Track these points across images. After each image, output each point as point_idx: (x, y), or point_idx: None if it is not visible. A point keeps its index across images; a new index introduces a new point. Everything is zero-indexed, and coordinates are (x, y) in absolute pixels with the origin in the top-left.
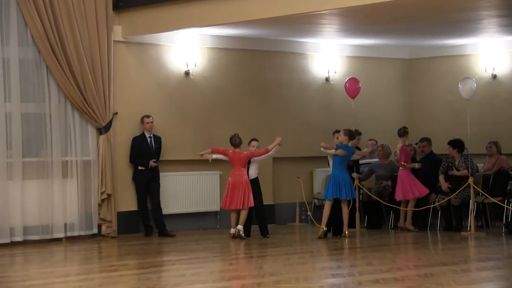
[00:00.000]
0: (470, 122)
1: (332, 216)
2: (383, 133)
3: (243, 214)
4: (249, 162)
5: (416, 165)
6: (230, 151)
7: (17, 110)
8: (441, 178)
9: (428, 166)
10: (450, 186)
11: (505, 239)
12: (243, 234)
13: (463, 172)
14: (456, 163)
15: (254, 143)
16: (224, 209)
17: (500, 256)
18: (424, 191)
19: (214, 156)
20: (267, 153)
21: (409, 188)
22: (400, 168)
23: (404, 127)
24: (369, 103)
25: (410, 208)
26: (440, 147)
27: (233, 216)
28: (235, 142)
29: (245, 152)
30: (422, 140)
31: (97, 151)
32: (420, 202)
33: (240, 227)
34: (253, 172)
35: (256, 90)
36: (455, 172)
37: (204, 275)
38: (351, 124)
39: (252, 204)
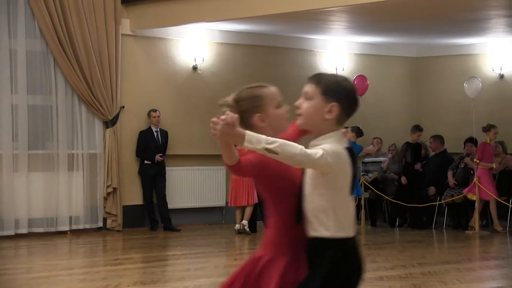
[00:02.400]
0: (477, 122)
1: None
2: (390, 131)
3: (248, 210)
4: None
5: (494, 165)
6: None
7: (24, 102)
8: (450, 174)
9: (439, 163)
10: (456, 183)
11: (509, 238)
12: (248, 229)
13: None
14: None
15: None
16: (231, 206)
17: (504, 255)
18: (493, 193)
19: None
20: None
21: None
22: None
23: (488, 123)
24: (376, 101)
25: (493, 208)
26: (446, 146)
27: (238, 212)
28: None
29: (247, 149)
30: (433, 137)
31: (104, 145)
32: (426, 199)
33: (245, 222)
34: None
35: None
36: (468, 161)
37: (208, 270)
38: (358, 122)
39: (256, 200)
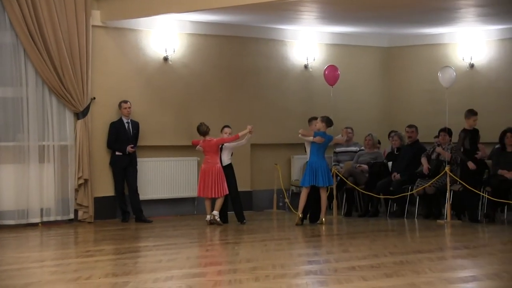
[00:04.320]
0: (448, 111)
1: (309, 203)
2: (362, 121)
3: (219, 201)
4: (221, 149)
5: None
6: (201, 141)
7: None
8: (424, 160)
9: (413, 152)
10: (429, 167)
11: (480, 227)
12: (219, 219)
13: (447, 154)
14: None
15: (226, 129)
16: (200, 197)
17: (475, 244)
18: None
19: (197, 147)
20: (237, 139)
21: None
22: None
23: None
24: (347, 91)
25: None
26: (418, 135)
27: (207, 203)
28: (203, 130)
29: (215, 139)
30: (410, 126)
31: (75, 136)
32: (400, 190)
33: (215, 212)
34: (226, 158)
35: (235, 77)
36: (440, 150)
37: (180, 261)
38: (330, 112)
39: (226, 192)
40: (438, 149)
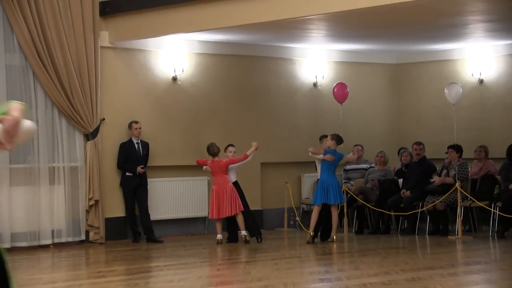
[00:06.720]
0: (457, 127)
1: (319, 221)
2: (371, 138)
3: (240, 218)
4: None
5: None
6: (209, 161)
7: None
8: (436, 176)
9: (421, 169)
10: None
11: (492, 243)
12: (249, 238)
13: (447, 179)
14: (450, 166)
15: (230, 148)
16: (213, 219)
17: (487, 260)
18: None
19: (204, 167)
20: (246, 158)
21: None
22: None
23: None
24: (356, 108)
25: None
26: (427, 152)
27: (218, 223)
28: (213, 151)
29: (225, 160)
30: (418, 143)
31: (85, 157)
32: (410, 206)
33: (244, 232)
34: (232, 177)
35: (244, 96)
36: (435, 179)
37: (191, 281)
38: (339, 130)
39: (242, 208)
40: (438, 179)
